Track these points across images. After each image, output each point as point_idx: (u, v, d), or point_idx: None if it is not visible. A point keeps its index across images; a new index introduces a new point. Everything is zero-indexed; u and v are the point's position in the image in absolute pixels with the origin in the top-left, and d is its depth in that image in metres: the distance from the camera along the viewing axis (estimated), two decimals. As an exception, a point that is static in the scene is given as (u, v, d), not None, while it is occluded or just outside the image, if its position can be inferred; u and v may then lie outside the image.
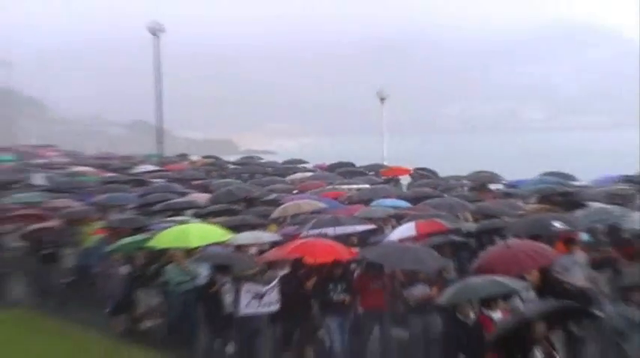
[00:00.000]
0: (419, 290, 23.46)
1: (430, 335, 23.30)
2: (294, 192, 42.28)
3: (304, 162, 63.50)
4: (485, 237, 27.01)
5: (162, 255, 26.96)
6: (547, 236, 24.88)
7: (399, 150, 74.84)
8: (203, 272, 25.73)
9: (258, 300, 23.96)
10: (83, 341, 27.01)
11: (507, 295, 18.80)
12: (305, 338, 24.13)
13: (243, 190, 39.65)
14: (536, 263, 21.66)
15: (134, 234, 29.36)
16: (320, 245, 24.42)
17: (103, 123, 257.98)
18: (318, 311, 24.09)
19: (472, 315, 17.92)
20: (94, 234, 32.46)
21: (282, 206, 33.20)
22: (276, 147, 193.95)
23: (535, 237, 24.16)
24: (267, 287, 24.01)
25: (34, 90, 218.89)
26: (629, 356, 18.55)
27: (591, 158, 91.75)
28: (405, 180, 52.66)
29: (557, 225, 26.27)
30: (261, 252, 26.40)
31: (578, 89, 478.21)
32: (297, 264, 24.43)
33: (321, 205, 33.23)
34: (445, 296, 18.28)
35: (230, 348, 25.13)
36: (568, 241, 25.50)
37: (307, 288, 24.10)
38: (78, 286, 32.70)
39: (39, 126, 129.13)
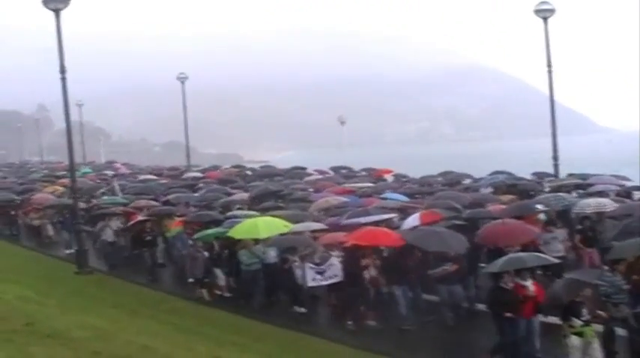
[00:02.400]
0: (440, 268, 21.65)
1: (455, 300, 21.88)
2: (310, 190, 40.24)
3: (304, 168, 60.05)
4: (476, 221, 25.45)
5: (234, 242, 25.76)
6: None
7: (355, 159, 73.07)
8: (272, 253, 24.95)
9: (321, 275, 22.92)
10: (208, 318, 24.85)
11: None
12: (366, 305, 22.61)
13: (275, 190, 39.10)
14: (527, 236, 21.55)
15: (207, 226, 28.35)
16: (380, 232, 23.15)
17: (147, 144, 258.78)
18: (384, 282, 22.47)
19: (510, 283, 16.79)
20: (174, 225, 30.99)
21: (316, 202, 32.07)
22: (269, 158, 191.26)
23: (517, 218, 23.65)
24: (327, 264, 22.93)
25: (100, 122, 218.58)
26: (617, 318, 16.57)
27: (488, 161, 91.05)
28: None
29: (540, 207, 25.90)
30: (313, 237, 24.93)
31: (478, 112, 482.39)
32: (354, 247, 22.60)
33: (345, 200, 31.90)
34: (497, 265, 17.25)
35: (300, 310, 24.09)
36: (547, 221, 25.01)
37: (365, 265, 22.41)
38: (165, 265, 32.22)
39: (105, 148, 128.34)
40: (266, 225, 24.96)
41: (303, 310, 23.92)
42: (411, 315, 21.71)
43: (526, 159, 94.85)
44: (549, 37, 42.59)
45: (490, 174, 43.32)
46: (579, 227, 24.96)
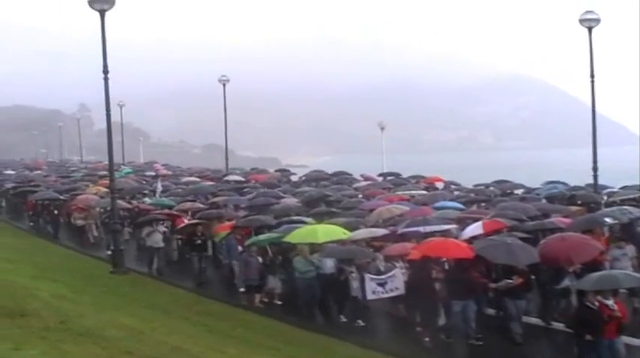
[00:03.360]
0: (505, 281, 20.50)
1: (519, 314, 20.71)
2: (360, 196, 39.43)
3: (349, 174, 59.00)
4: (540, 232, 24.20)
5: (287, 249, 25.20)
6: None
7: (393, 166, 72.13)
8: (329, 263, 23.75)
9: (383, 287, 21.72)
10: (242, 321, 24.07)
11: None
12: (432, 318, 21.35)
13: (321, 195, 38.34)
14: (589, 253, 20.34)
15: (257, 232, 27.78)
16: (451, 243, 22.00)
17: (186, 145, 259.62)
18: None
19: (596, 302, 15.67)
20: (221, 229, 30.04)
21: (377, 210, 30.52)
22: (307, 163, 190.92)
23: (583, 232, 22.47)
24: (388, 275, 21.78)
25: (140, 123, 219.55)
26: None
27: (528, 170, 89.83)
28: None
29: (609, 220, 24.36)
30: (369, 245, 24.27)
31: (516, 121, 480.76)
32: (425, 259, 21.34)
33: (407, 208, 30.54)
34: (589, 283, 16.10)
35: (360, 323, 22.83)
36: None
37: (436, 278, 21.20)
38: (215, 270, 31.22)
39: (144, 149, 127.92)
40: (325, 231, 24.18)
41: (360, 323, 22.81)
42: (477, 330, 20.67)
43: (564, 170, 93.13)
44: (593, 47, 41.82)
45: (544, 184, 42.15)
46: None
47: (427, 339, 20.83)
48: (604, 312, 15.52)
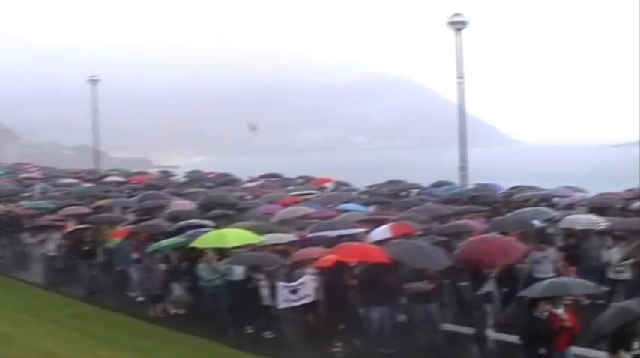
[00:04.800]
0: (416, 285, 19.82)
1: (431, 320, 19.93)
2: (248, 197, 38.54)
3: (231, 175, 57.82)
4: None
5: (193, 256, 23.65)
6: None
7: (266, 166, 72.07)
8: (237, 270, 22.54)
9: (294, 294, 20.62)
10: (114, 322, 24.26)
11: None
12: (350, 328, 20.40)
13: (220, 198, 35.99)
14: (509, 256, 20.00)
15: (154, 238, 25.97)
16: (369, 247, 21.36)
17: (58, 146, 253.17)
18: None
19: (545, 312, 14.74)
20: (116, 235, 28.50)
21: (280, 213, 29.56)
22: (178, 163, 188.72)
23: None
24: (299, 282, 20.69)
25: (9, 123, 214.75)
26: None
27: (401, 170, 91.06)
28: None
29: (536, 222, 23.90)
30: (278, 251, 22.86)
31: (387, 121, 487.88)
32: (340, 264, 20.34)
33: (311, 210, 29.71)
34: (537, 291, 15.13)
35: (267, 335, 21.77)
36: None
37: (352, 284, 20.39)
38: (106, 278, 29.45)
39: (15, 150, 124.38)
40: (234, 236, 22.92)
41: (270, 334, 21.81)
42: (391, 338, 19.96)
43: (434, 169, 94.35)
44: (462, 49, 42.60)
45: (433, 185, 41.95)
46: (561, 244, 23.12)
47: (341, 348, 20.03)
48: (554, 323, 14.77)
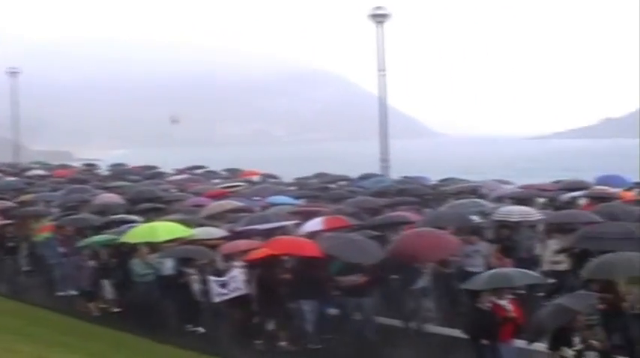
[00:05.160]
0: (349, 279, 19.72)
1: (364, 314, 19.96)
2: (172, 190, 37.81)
3: (156, 168, 57.01)
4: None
5: (124, 251, 23.14)
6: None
7: (188, 159, 71.75)
8: (167, 264, 22.10)
9: (225, 288, 20.28)
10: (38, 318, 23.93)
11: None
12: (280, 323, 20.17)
13: (149, 191, 35.10)
14: (444, 250, 20.11)
15: (82, 233, 25.62)
16: (301, 240, 21.04)
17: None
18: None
19: (489, 303, 14.79)
20: (42, 230, 27.83)
21: (209, 206, 28.69)
22: (101, 156, 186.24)
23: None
24: (229, 276, 20.29)
25: None
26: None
27: (326, 163, 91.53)
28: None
29: (475, 217, 23.58)
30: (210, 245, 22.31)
31: (311, 115, 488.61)
32: (272, 257, 20.06)
33: (241, 204, 28.98)
34: (480, 283, 15.19)
35: (199, 330, 21.55)
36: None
37: (284, 279, 20.08)
38: (32, 274, 28.86)
39: None
40: (165, 229, 22.49)
41: (201, 330, 21.56)
42: (320, 333, 19.82)
43: (356, 161, 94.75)
44: (384, 41, 42.93)
45: (361, 177, 41.81)
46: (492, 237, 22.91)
47: (260, 342, 19.99)
48: (498, 314, 14.75)
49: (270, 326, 20.14)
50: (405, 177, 40.88)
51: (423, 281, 19.85)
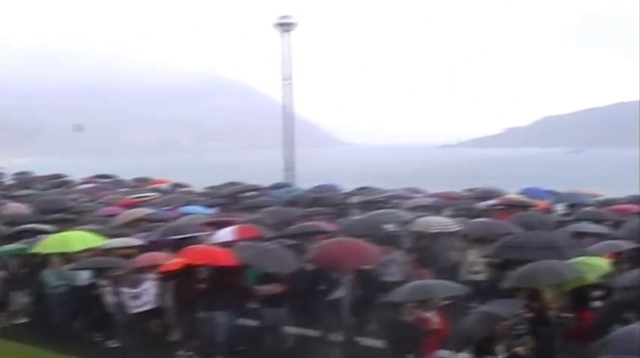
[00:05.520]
0: (265, 288, 19.67)
1: (280, 324, 19.85)
2: (83, 200, 36.78)
3: (63, 176, 55.84)
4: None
5: (35, 262, 22.60)
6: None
7: (92, 168, 70.90)
8: (82, 275, 21.59)
9: (138, 300, 20.02)
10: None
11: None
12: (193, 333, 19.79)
13: (58, 201, 34.56)
14: (363, 258, 19.87)
15: None
16: (219, 250, 20.34)
17: None
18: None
19: (411, 315, 14.90)
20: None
21: (121, 215, 28.28)
22: (3, 165, 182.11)
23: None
24: (141, 288, 20.08)
25: None
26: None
27: (232, 172, 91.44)
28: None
29: (390, 226, 23.65)
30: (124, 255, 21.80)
31: (217, 123, 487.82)
32: (187, 268, 19.55)
33: (153, 212, 28.92)
34: (402, 295, 15.06)
35: (112, 343, 20.96)
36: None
37: (200, 289, 19.70)
38: None
39: None
40: (78, 239, 21.97)
41: (113, 343, 21.01)
42: (233, 343, 19.56)
43: (262, 170, 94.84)
44: (289, 50, 43.22)
45: (272, 187, 41.62)
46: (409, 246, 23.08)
47: (190, 353, 19.61)
48: (421, 326, 14.73)
49: (177, 336, 19.91)
50: (319, 186, 40.76)
51: (341, 291, 19.67)
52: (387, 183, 45.62)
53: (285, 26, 43.98)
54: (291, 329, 20.44)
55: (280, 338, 19.88)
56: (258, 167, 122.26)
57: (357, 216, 27.11)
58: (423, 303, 14.86)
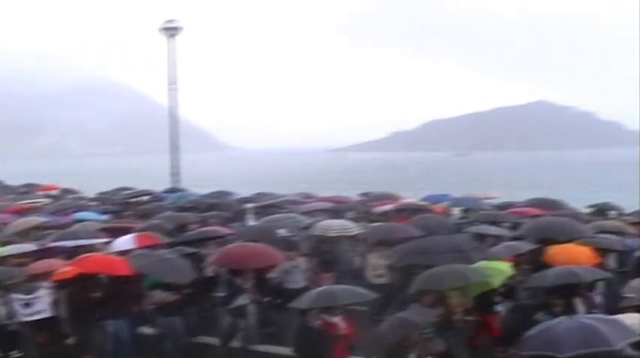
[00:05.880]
0: (161, 296, 19.19)
1: (176, 332, 19.37)
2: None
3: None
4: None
5: None
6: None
7: None
8: None
9: (28, 308, 18.93)
10: None
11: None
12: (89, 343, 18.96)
13: None
14: (266, 262, 19.54)
15: None
16: (112, 259, 19.58)
17: None
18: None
19: (319, 321, 14.50)
20: None
21: (14, 223, 27.12)
22: None
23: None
24: (34, 296, 19.00)
25: None
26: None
27: (119, 177, 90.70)
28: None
29: (282, 231, 23.42)
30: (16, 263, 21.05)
31: (105, 128, 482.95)
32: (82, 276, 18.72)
33: (45, 219, 27.92)
34: (307, 301, 14.69)
35: (13, 354, 19.42)
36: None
37: (95, 298, 18.83)
38: None
39: None
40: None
41: (16, 353, 19.50)
42: (128, 353, 19.06)
43: (150, 174, 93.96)
44: (175, 55, 43.26)
45: (165, 192, 41.06)
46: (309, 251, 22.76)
47: None
48: (328, 331, 14.43)
49: (73, 346, 19.10)
50: (215, 191, 40.35)
51: (242, 300, 19.28)
52: (271, 188, 45.71)
53: (170, 30, 43.91)
54: (192, 338, 20.01)
55: (179, 347, 19.33)
56: (146, 172, 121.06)
57: (253, 222, 26.68)
58: (329, 309, 14.52)
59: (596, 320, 11.54)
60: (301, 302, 14.81)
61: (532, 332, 11.92)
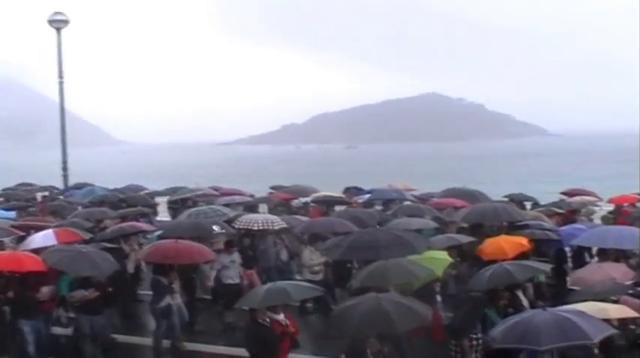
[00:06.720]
0: (80, 294, 17.89)
1: (97, 331, 18.14)
2: None
3: None
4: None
5: None
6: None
7: None
8: None
9: None
10: None
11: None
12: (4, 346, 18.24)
13: None
14: (201, 257, 19.05)
15: None
16: (23, 256, 18.51)
17: None
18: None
19: (267, 319, 13.94)
20: None
21: None
22: None
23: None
24: None
25: None
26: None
27: (10, 173, 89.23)
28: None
29: (216, 228, 22.11)
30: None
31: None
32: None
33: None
34: (257, 300, 14.11)
35: None
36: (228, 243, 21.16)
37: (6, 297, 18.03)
38: None
39: None
40: None
41: None
42: (43, 354, 17.96)
43: (42, 170, 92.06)
44: (62, 48, 42.62)
45: (74, 187, 39.83)
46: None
47: None
48: (276, 329, 13.95)
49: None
50: (126, 186, 39.69)
51: (168, 299, 18.40)
52: (160, 182, 45.37)
53: (57, 23, 43.05)
54: (117, 336, 19.24)
55: (100, 347, 18.30)
56: (38, 168, 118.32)
57: (180, 217, 25.63)
58: (273, 306, 14.02)
59: (572, 313, 11.38)
60: (251, 302, 14.27)
61: (504, 325, 11.78)
